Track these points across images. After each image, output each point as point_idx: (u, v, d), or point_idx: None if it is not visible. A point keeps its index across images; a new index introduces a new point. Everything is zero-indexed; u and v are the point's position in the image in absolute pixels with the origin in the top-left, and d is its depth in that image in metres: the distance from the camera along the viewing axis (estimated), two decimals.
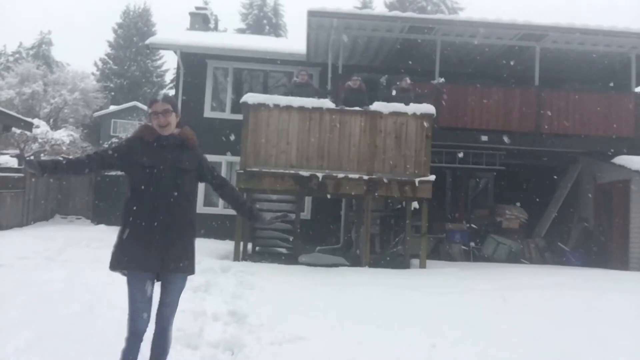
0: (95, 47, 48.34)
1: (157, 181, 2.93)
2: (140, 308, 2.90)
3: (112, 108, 37.68)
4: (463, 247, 11.58)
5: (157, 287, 3.02)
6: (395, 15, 11.42)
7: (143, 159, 2.95)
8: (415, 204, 9.49)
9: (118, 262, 2.91)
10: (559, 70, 12.83)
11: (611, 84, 12.90)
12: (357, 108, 9.38)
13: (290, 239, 11.07)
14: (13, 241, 9.22)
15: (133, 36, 44.69)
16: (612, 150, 11.36)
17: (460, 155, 11.72)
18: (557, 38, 11.61)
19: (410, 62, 12.87)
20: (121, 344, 2.94)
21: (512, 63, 12.57)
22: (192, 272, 3.08)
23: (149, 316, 2.95)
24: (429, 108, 9.45)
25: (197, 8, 19.02)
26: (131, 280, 2.92)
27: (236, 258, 8.93)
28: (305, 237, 11.97)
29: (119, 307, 4.82)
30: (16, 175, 13.06)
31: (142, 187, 2.93)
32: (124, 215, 2.96)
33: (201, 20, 18.64)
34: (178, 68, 14.52)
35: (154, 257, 2.88)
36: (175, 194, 2.95)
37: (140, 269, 2.89)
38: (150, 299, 2.96)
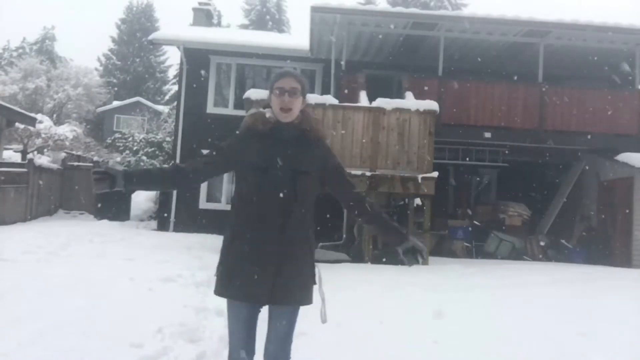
0: (98, 42, 48.31)
1: (271, 186, 2.37)
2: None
3: (116, 103, 37.69)
4: (465, 244, 11.57)
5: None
6: (398, 11, 11.40)
7: (255, 158, 2.38)
8: (417, 201, 9.48)
9: (225, 288, 2.43)
10: (563, 66, 12.79)
11: (615, 81, 12.84)
12: (359, 104, 9.35)
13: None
14: (16, 236, 9.24)
15: (136, 32, 44.74)
16: (615, 147, 11.32)
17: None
18: (561, 34, 11.56)
19: (413, 59, 12.83)
20: (125, 338, 2.86)
21: (515, 59, 12.52)
22: (309, 301, 2.59)
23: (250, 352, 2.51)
24: (432, 104, 9.41)
25: (200, 4, 18.98)
26: (232, 309, 2.47)
27: None
28: None
29: (122, 301, 4.86)
30: (19, 170, 13.10)
31: (253, 195, 2.38)
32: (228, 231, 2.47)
33: (204, 16, 18.60)
34: (181, 64, 14.52)
35: (263, 284, 2.37)
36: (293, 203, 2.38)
37: (246, 298, 2.41)
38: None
